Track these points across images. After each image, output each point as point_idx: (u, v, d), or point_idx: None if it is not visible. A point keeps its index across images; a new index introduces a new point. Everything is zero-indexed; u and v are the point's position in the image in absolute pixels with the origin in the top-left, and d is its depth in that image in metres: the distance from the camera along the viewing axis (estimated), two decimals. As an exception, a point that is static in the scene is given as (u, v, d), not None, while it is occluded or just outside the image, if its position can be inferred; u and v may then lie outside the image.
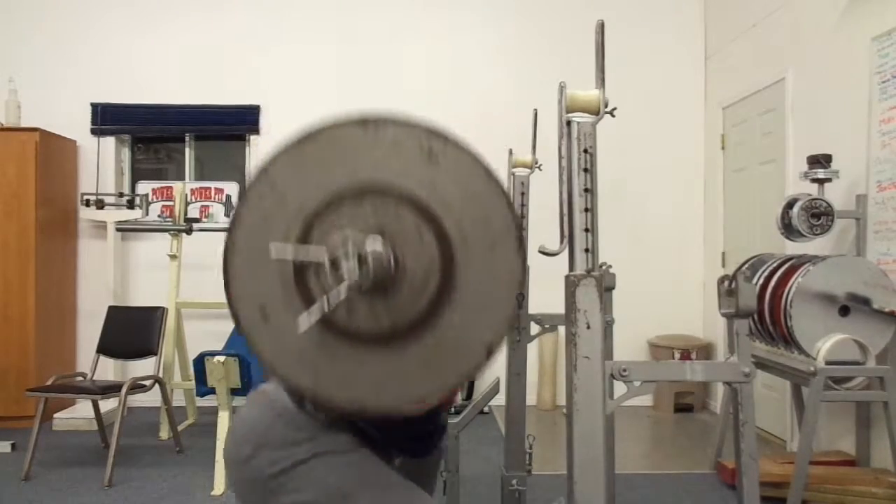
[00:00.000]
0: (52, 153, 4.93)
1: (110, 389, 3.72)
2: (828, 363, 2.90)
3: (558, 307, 1.24)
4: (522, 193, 2.40)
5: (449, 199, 0.97)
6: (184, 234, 4.59)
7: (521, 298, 0.95)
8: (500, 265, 0.97)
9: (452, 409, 4.83)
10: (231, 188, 5.47)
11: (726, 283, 1.39)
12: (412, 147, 0.97)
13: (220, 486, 3.38)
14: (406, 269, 0.94)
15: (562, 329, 1.47)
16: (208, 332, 4.76)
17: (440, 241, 0.95)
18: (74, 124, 5.23)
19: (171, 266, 4.54)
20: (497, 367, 5.13)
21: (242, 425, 1.32)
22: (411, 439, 1.38)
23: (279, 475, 1.23)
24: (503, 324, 0.97)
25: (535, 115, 2.56)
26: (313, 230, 0.96)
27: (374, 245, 0.91)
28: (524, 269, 0.99)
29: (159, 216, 5.39)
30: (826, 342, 2.93)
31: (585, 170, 1.19)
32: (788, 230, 3.35)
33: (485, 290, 0.96)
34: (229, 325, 4.34)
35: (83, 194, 5.06)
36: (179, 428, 4.29)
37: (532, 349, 3.73)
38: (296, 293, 0.95)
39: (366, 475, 1.25)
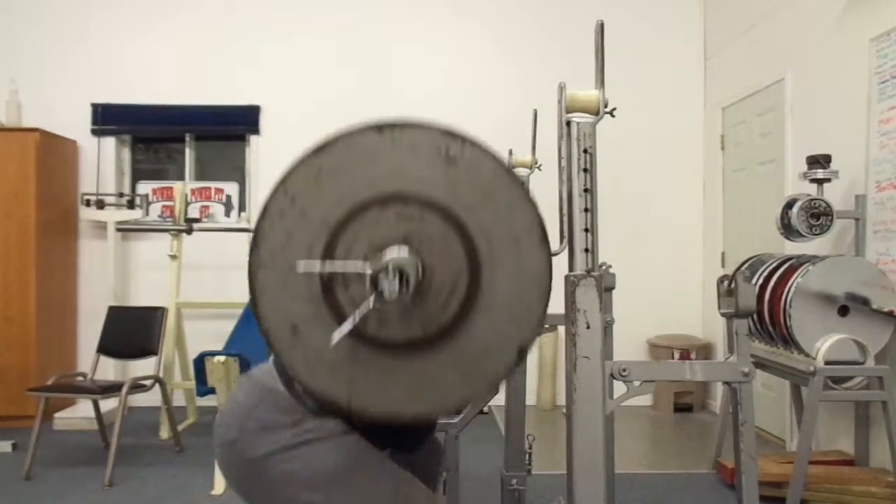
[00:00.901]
0: (53, 153, 4.93)
1: (111, 389, 3.73)
2: (827, 363, 2.90)
3: (558, 307, 1.25)
4: (522, 193, 2.40)
5: (469, 199, 0.96)
6: (184, 234, 4.59)
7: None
8: (526, 261, 0.97)
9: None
10: (231, 188, 5.48)
11: (726, 283, 1.40)
12: (429, 150, 0.97)
13: (220, 486, 3.38)
14: (434, 275, 0.94)
15: (562, 329, 1.47)
16: (208, 332, 4.76)
17: (465, 243, 0.95)
18: (75, 124, 5.23)
19: (172, 266, 4.54)
20: (497, 367, 5.01)
21: (230, 408, 1.33)
22: (395, 433, 1.35)
23: (267, 457, 1.23)
24: (534, 322, 0.96)
25: (535, 115, 2.56)
26: (338, 241, 0.95)
27: (401, 254, 0.91)
28: (550, 263, 0.98)
29: (159, 216, 5.40)
30: (825, 342, 2.93)
31: (585, 170, 1.19)
32: (788, 230, 3.35)
33: (512, 289, 0.96)
34: (229, 325, 4.36)
35: (83, 194, 5.06)
36: (179, 428, 4.29)
37: (532, 349, 3.73)
38: (324, 306, 0.95)
39: (356, 457, 1.23)
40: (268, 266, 0.97)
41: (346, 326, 0.89)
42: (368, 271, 0.90)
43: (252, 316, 3.80)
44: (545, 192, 2.95)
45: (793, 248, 3.76)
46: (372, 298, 0.89)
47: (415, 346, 0.94)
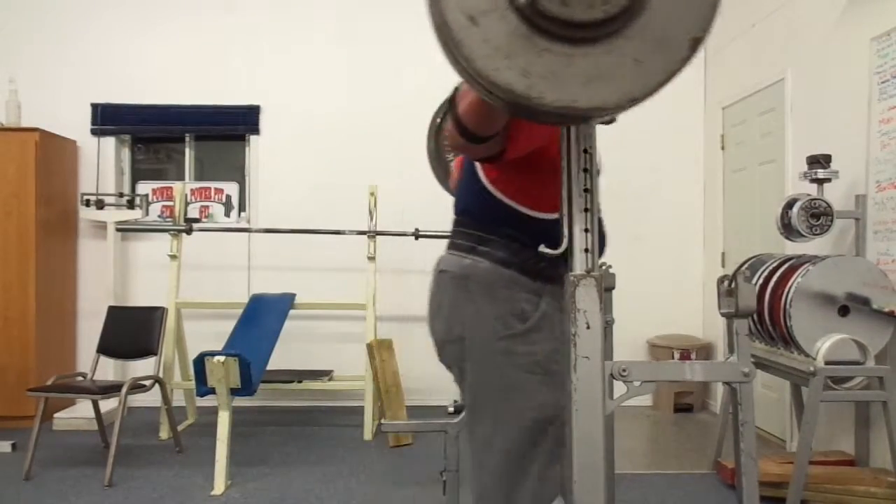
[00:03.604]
0: (53, 153, 4.93)
1: (110, 389, 3.73)
2: (827, 363, 2.90)
3: (558, 307, 1.26)
4: (522, 193, 2.40)
5: None
6: (184, 234, 4.59)
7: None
8: None
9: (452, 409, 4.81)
10: (231, 188, 5.48)
11: (726, 283, 1.40)
12: None
13: (220, 486, 3.38)
14: None
15: (562, 329, 1.46)
16: (208, 332, 4.75)
17: None
18: (74, 124, 5.23)
19: (171, 266, 4.54)
20: (497, 367, 4.99)
21: (444, 306, 1.53)
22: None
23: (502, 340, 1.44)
24: (708, 14, 0.93)
25: (535, 115, 2.56)
26: None
27: None
28: None
29: (159, 216, 5.40)
30: (825, 342, 2.93)
31: (585, 170, 1.19)
32: (788, 230, 3.35)
33: None
34: (229, 325, 4.35)
35: (83, 194, 5.06)
36: (179, 428, 4.29)
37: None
38: None
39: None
40: None
41: None
42: None
43: (252, 316, 3.80)
44: (545, 192, 2.96)
45: (793, 248, 3.76)
46: None
47: (591, 35, 0.92)
